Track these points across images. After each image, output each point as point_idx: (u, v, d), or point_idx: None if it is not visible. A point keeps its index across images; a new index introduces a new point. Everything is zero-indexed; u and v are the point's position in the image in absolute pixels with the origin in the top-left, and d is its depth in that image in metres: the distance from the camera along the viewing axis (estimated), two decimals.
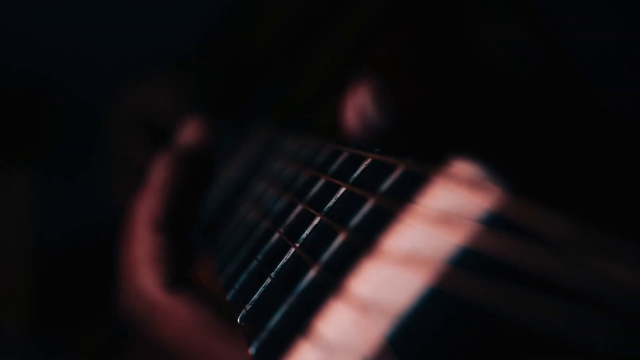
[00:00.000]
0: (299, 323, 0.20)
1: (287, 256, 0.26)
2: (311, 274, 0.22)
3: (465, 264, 0.17)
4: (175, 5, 0.90)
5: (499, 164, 0.17)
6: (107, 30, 0.89)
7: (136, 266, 0.41)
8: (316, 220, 0.25)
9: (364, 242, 0.19)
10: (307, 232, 0.25)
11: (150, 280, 0.41)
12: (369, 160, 0.24)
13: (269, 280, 0.26)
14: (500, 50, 0.58)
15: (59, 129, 0.93)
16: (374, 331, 0.17)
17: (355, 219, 0.21)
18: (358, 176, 0.25)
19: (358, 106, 0.39)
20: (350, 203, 0.23)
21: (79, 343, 0.87)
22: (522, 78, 0.56)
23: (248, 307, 0.27)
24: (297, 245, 0.25)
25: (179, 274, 0.41)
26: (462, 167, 0.18)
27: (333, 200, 0.25)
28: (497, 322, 0.15)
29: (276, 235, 0.29)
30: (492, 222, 0.16)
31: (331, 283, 0.19)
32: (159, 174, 0.43)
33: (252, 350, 0.23)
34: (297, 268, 0.24)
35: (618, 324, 0.13)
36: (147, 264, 0.41)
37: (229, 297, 0.29)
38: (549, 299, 0.14)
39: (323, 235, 0.24)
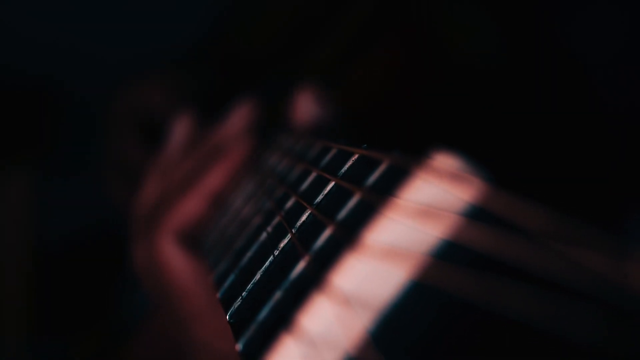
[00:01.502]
0: (284, 317, 0.20)
1: (279, 248, 0.26)
2: (299, 267, 0.22)
3: (447, 257, 0.16)
4: (175, 5, 0.90)
5: (479, 157, 0.17)
6: (107, 30, 0.89)
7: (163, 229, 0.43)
8: (307, 214, 0.25)
9: (347, 235, 0.19)
10: (298, 224, 0.25)
11: (165, 240, 0.43)
12: (357, 155, 0.24)
13: (258, 276, 0.26)
14: (469, 46, 0.59)
15: (59, 129, 0.94)
16: (356, 325, 0.17)
17: (342, 213, 0.21)
18: (346, 171, 0.25)
19: (306, 104, 0.45)
20: (338, 197, 0.23)
21: (79, 343, 0.87)
22: (492, 72, 0.57)
23: (237, 304, 0.26)
24: (294, 231, 0.25)
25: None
26: (444, 160, 0.18)
27: (322, 194, 0.25)
28: (480, 315, 0.15)
29: (269, 229, 0.29)
30: (474, 214, 0.16)
31: (315, 276, 0.19)
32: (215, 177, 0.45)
33: (239, 347, 0.23)
34: (285, 262, 0.24)
35: (600, 315, 0.12)
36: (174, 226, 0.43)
37: (219, 294, 0.29)
38: (531, 291, 0.14)
39: (313, 229, 0.24)
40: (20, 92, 0.91)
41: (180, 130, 0.52)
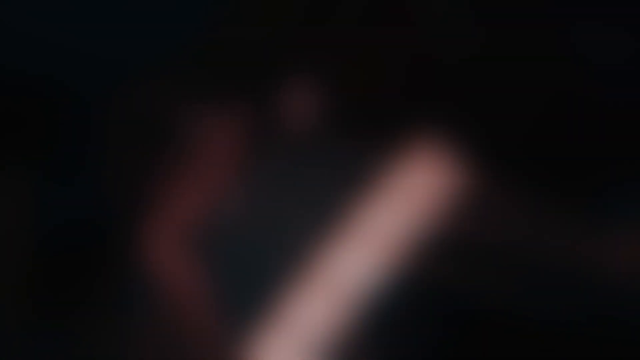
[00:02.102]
0: (278, 311, 0.20)
1: (276, 244, 0.26)
2: (293, 260, 0.22)
3: (436, 244, 0.16)
4: (175, 5, 0.90)
5: (468, 142, 0.17)
6: (107, 30, 0.89)
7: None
8: (300, 208, 0.25)
9: (336, 226, 0.19)
10: (289, 216, 0.25)
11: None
12: (344, 146, 0.24)
13: (255, 271, 0.27)
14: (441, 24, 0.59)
15: (59, 129, 0.94)
16: (345, 316, 0.17)
17: (332, 205, 0.21)
18: (335, 161, 0.25)
19: (302, 99, 0.44)
20: (330, 189, 0.23)
21: (79, 343, 0.87)
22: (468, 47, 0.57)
23: (234, 299, 0.27)
24: (287, 227, 0.25)
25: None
26: (432, 147, 0.18)
27: (314, 188, 0.25)
28: (472, 303, 0.15)
29: (266, 226, 0.29)
30: (462, 200, 0.16)
31: (304, 268, 0.19)
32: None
33: (235, 341, 0.23)
34: (281, 257, 0.24)
35: (580, 295, 0.12)
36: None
37: (217, 292, 0.29)
38: (518, 275, 0.14)
39: (306, 223, 0.24)
40: (20, 92, 0.91)
41: (182, 128, 0.52)
